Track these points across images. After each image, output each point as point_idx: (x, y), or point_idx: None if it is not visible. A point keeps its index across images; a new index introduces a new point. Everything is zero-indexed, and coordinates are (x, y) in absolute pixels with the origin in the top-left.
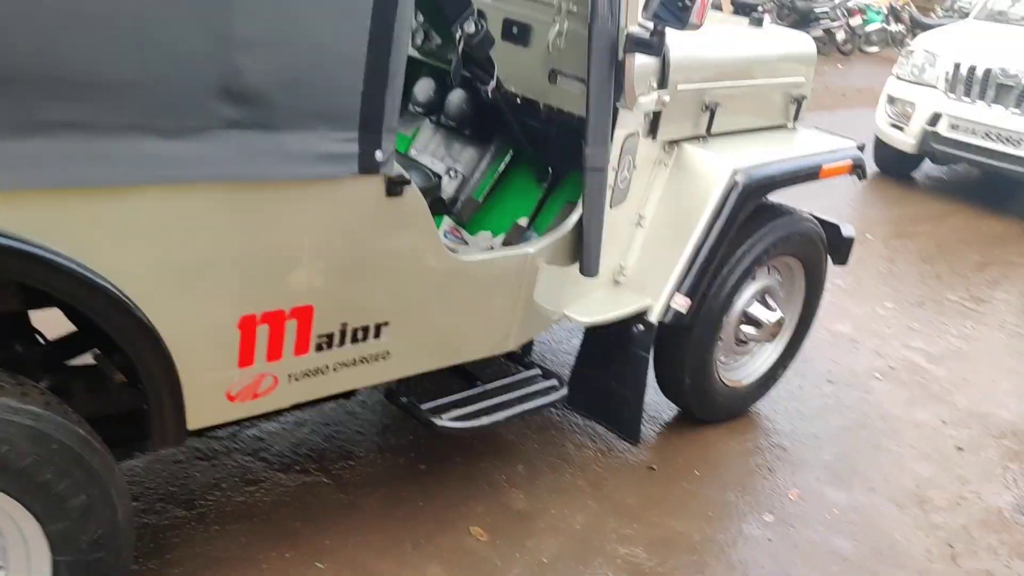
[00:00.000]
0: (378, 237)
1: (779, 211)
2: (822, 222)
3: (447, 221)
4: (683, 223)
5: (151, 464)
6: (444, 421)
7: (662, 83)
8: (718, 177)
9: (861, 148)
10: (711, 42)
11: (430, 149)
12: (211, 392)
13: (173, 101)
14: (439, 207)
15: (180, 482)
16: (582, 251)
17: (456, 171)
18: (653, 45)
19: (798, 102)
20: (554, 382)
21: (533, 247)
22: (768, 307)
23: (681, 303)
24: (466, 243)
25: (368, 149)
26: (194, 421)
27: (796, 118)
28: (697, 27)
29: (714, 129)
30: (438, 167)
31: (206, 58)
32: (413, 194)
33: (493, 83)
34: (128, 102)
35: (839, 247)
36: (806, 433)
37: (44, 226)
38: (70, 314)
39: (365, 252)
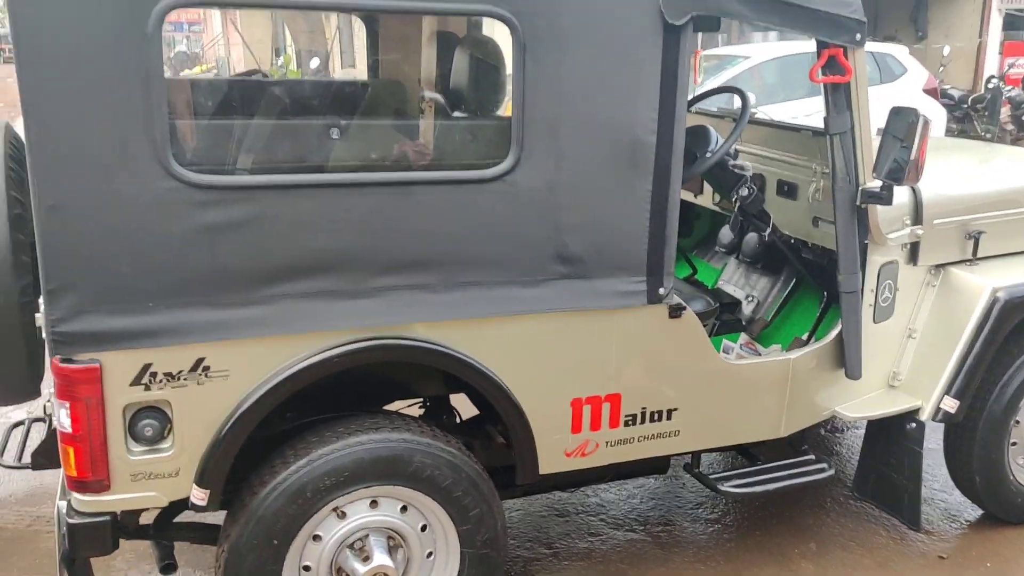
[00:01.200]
0: (665, 347)
1: None
2: None
3: (743, 336)
4: (951, 335)
5: (524, 517)
6: (725, 486)
7: (916, 220)
8: (979, 295)
9: None
10: (973, 179)
11: (734, 280)
12: (554, 449)
13: (530, 266)
14: (736, 326)
15: (543, 530)
16: (845, 359)
17: (753, 296)
18: (883, 197)
19: None
20: (824, 465)
21: (794, 355)
22: None
23: (950, 404)
24: (759, 354)
25: (654, 287)
26: (544, 468)
27: None
28: (915, 183)
29: (983, 252)
30: (739, 294)
31: (547, 240)
32: (690, 316)
33: (769, 229)
34: (506, 269)
35: None
36: None
37: (462, 340)
38: (472, 398)
39: (656, 357)
